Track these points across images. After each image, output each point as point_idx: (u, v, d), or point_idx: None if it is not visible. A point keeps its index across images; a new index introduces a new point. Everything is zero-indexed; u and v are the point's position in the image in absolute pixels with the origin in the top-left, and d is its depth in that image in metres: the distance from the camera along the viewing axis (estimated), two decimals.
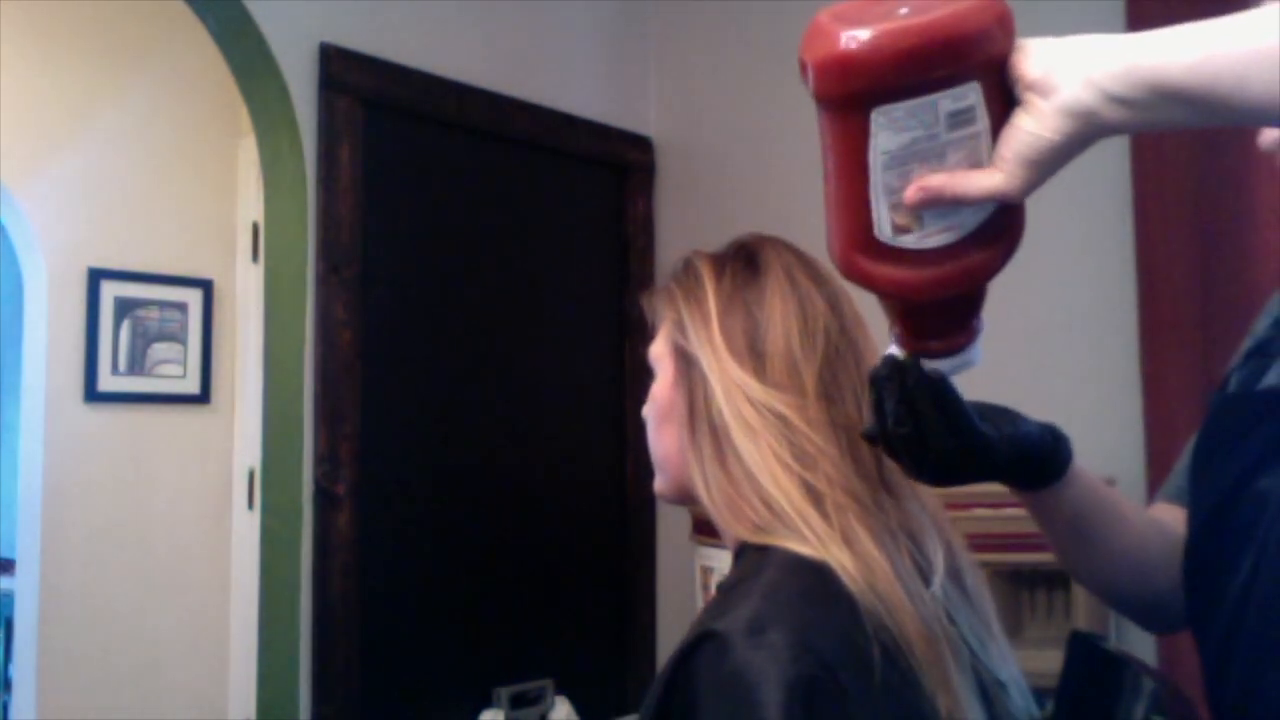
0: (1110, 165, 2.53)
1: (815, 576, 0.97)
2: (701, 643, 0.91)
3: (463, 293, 2.82)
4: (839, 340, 1.09)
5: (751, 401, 1.05)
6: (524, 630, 2.88)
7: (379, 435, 2.59)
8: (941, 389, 0.93)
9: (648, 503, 3.16)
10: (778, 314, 1.09)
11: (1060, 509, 1.09)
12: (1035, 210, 2.68)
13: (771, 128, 3.09)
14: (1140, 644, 2.39)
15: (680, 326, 1.12)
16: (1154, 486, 2.21)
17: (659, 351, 1.17)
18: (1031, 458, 1.03)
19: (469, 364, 2.82)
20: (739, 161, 3.16)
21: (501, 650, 2.82)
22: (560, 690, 2.88)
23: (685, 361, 1.11)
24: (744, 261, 1.14)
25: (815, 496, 1.02)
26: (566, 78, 3.13)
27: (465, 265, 2.84)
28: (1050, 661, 1.48)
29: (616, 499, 3.14)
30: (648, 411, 1.19)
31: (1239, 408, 1.07)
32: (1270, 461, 0.96)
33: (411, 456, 2.68)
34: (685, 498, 1.14)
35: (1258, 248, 2.25)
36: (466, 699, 2.72)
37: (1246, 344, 1.15)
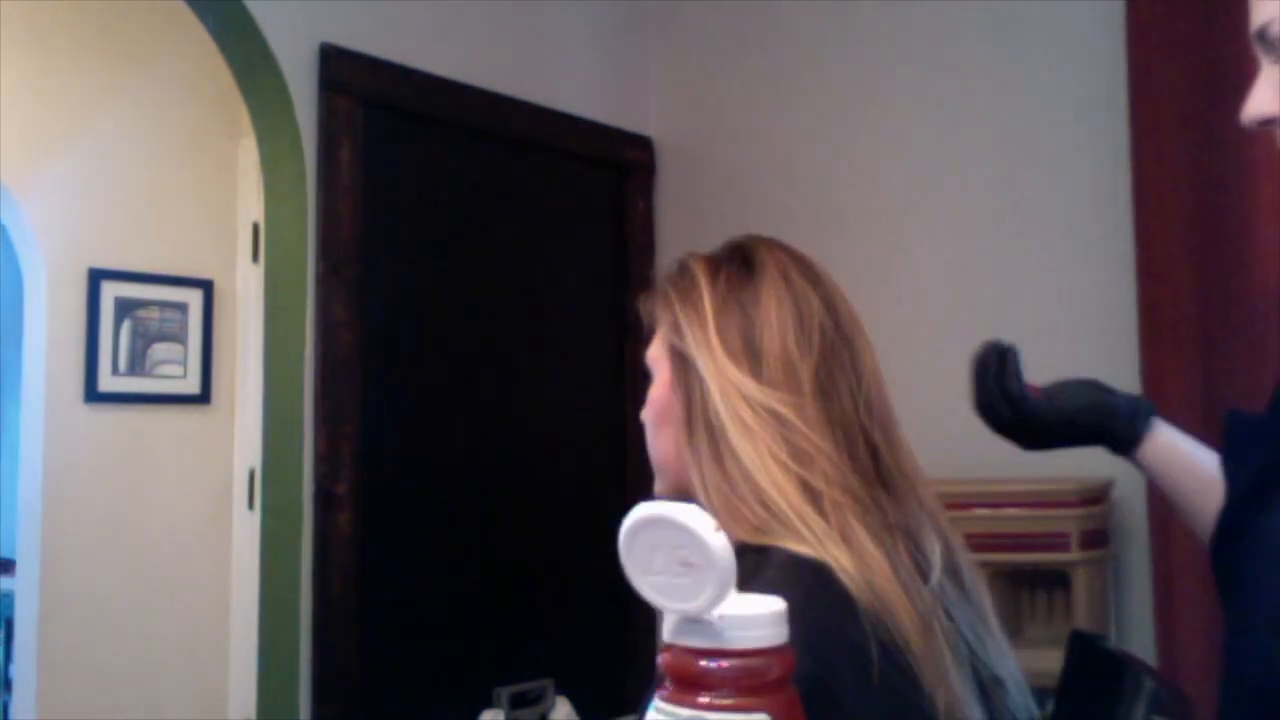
0: (1110, 167, 2.52)
1: (814, 576, 0.97)
2: None
3: (463, 293, 2.82)
4: (834, 338, 1.09)
5: (748, 401, 1.06)
6: (524, 630, 2.88)
7: (379, 435, 2.59)
8: (1005, 378, 1.19)
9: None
10: (773, 313, 1.09)
11: (1148, 472, 1.23)
12: (1036, 211, 2.69)
13: (772, 127, 3.10)
14: (1140, 644, 2.39)
15: (676, 328, 1.12)
16: (1153, 487, 2.21)
17: (656, 354, 1.17)
18: (1086, 430, 1.20)
19: (469, 364, 2.82)
20: (740, 161, 3.16)
21: (501, 650, 2.82)
22: (560, 690, 2.88)
23: (682, 363, 1.11)
24: (739, 262, 1.14)
25: (813, 495, 1.02)
26: (567, 78, 3.13)
27: (465, 265, 2.84)
28: (1050, 661, 1.48)
29: (616, 498, 3.13)
30: (646, 414, 1.19)
31: (1236, 430, 1.09)
32: (1256, 499, 0.97)
33: (412, 456, 2.68)
34: (686, 500, 1.14)
35: (1257, 248, 2.25)
36: (466, 699, 2.72)
37: None
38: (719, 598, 0.63)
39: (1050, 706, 1.42)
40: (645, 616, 3.17)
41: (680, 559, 0.64)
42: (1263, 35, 0.93)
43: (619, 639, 3.14)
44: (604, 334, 3.17)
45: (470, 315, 2.83)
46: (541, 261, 3.03)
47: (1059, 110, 2.65)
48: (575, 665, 2.97)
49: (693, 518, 0.64)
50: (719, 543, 0.63)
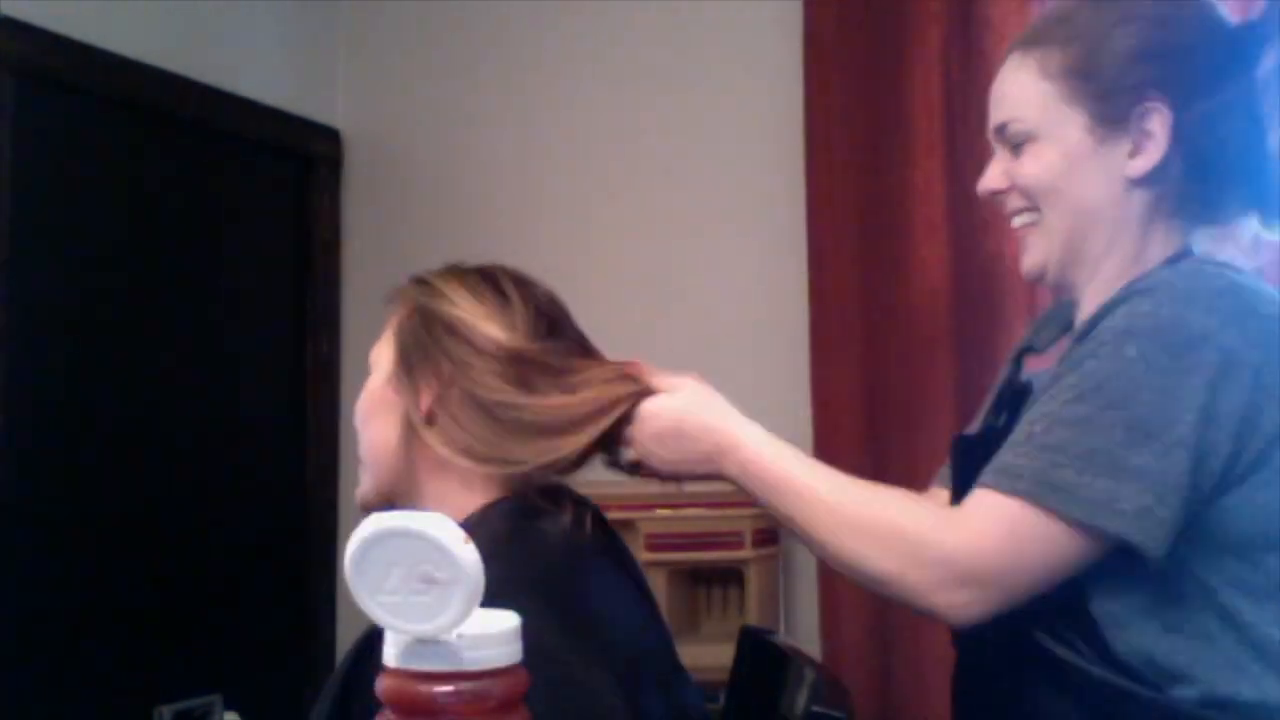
0: (785, 183, 2.65)
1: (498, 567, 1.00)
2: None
3: (128, 284, 2.64)
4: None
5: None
6: (188, 642, 2.72)
7: (25, 438, 2.38)
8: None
9: (330, 507, 3.06)
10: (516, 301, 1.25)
11: None
12: (716, 223, 2.77)
13: (469, 126, 3.05)
14: (806, 635, 2.52)
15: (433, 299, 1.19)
16: None
17: (380, 350, 1.21)
18: None
19: (132, 361, 2.64)
20: (435, 159, 3.08)
21: (162, 664, 2.65)
22: (231, 706, 2.74)
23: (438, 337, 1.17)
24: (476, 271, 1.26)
25: None
26: (245, 59, 2.97)
27: (132, 257, 2.65)
28: (725, 656, 1.54)
29: (296, 502, 3.01)
30: (359, 409, 1.20)
31: (956, 449, 1.31)
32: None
33: (63, 463, 2.48)
34: (396, 497, 1.17)
35: (915, 262, 2.45)
36: None
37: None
38: (465, 614, 0.59)
39: (723, 699, 1.47)
40: (328, 625, 3.07)
41: (422, 574, 0.60)
42: (1000, 131, 1.19)
43: (296, 649, 3.03)
44: (284, 333, 3.04)
45: (136, 309, 2.65)
46: (217, 256, 2.87)
47: (741, 122, 2.78)
48: (247, 678, 2.83)
49: (440, 528, 0.59)
50: (469, 555, 0.59)
